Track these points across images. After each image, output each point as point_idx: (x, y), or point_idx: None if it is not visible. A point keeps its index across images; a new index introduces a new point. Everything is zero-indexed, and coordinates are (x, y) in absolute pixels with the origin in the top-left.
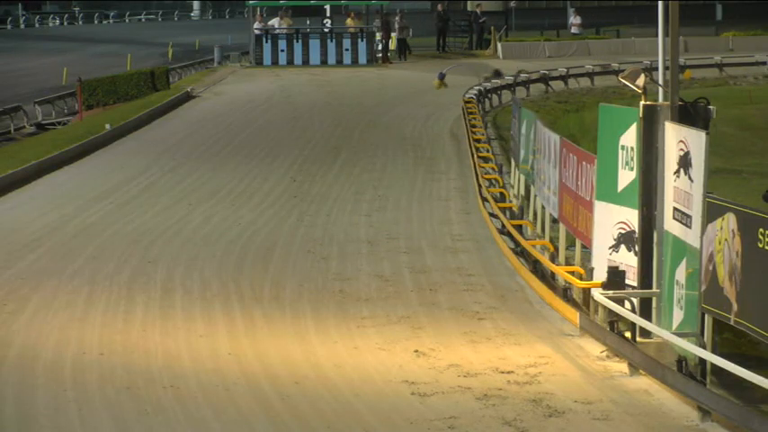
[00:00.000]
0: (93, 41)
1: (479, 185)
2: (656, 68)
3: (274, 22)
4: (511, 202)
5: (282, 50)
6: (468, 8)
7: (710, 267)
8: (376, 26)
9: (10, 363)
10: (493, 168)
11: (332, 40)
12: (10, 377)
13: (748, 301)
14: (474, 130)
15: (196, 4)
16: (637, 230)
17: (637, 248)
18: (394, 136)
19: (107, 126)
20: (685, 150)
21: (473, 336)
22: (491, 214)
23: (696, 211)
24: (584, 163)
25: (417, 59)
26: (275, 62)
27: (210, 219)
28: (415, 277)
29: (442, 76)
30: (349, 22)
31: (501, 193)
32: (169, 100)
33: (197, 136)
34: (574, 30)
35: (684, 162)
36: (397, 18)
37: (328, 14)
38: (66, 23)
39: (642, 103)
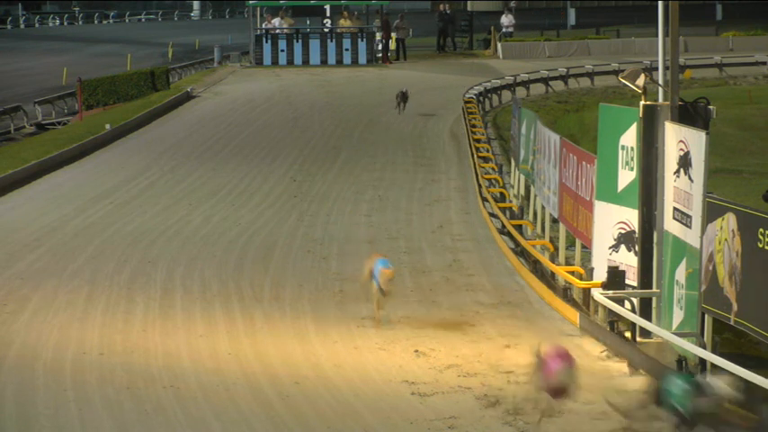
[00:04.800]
0: (93, 41)
1: (479, 185)
2: (656, 68)
3: (275, 21)
4: (511, 202)
5: (282, 50)
6: (469, 8)
7: (710, 267)
8: (376, 26)
9: (10, 363)
10: (493, 168)
11: (332, 40)
12: (10, 377)
13: (748, 301)
14: (474, 130)
15: (196, 4)
16: (637, 230)
17: (637, 248)
18: (394, 136)
19: (107, 126)
20: (685, 150)
21: (473, 336)
22: (491, 214)
23: (696, 211)
24: (584, 163)
25: (417, 59)
26: (275, 62)
27: (210, 219)
28: (415, 277)
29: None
30: (342, 22)
31: (501, 193)
32: (169, 100)
33: (197, 136)
34: (508, 29)
35: (684, 162)
36: (397, 20)
37: (328, 14)
38: (66, 23)
39: (642, 103)
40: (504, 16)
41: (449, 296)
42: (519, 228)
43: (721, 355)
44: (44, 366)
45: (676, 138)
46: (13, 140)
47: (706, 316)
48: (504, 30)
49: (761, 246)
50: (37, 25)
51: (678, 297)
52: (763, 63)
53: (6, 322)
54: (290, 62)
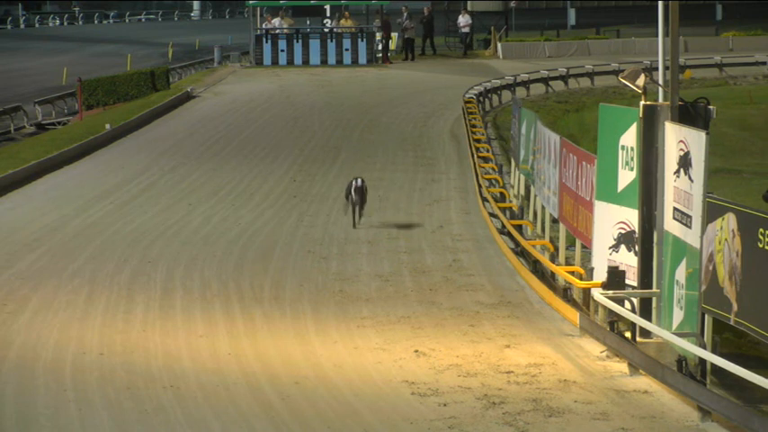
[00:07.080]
0: (93, 41)
1: (479, 185)
2: (656, 68)
3: (275, 21)
4: (511, 202)
5: (282, 50)
6: (469, 8)
7: (710, 267)
8: (376, 26)
9: (10, 363)
10: (493, 168)
11: (332, 40)
12: (10, 377)
13: (748, 301)
14: (474, 130)
15: (196, 4)
16: (637, 230)
17: (637, 248)
18: (394, 136)
19: (107, 126)
20: (685, 150)
21: (473, 336)
22: (491, 214)
23: (696, 211)
24: (584, 163)
25: (417, 59)
26: (275, 62)
27: (210, 219)
28: (415, 277)
29: None
30: (343, 22)
31: (501, 193)
32: (169, 100)
33: (197, 136)
34: (464, 29)
35: (684, 162)
36: (405, 21)
37: (328, 14)
38: (66, 23)
39: (642, 103)
40: (461, 16)
41: (449, 296)
42: (519, 228)
43: (721, 355)
44: (44, 366)
45: (676, 138)
46: (13, 140)
47: (706, 316)
48: (460, 30)
49: (761, 246)
50: (37, 25)
51: (678, 297)
52: (763, 63)
53: (6, 322)
54: (290, 62)
